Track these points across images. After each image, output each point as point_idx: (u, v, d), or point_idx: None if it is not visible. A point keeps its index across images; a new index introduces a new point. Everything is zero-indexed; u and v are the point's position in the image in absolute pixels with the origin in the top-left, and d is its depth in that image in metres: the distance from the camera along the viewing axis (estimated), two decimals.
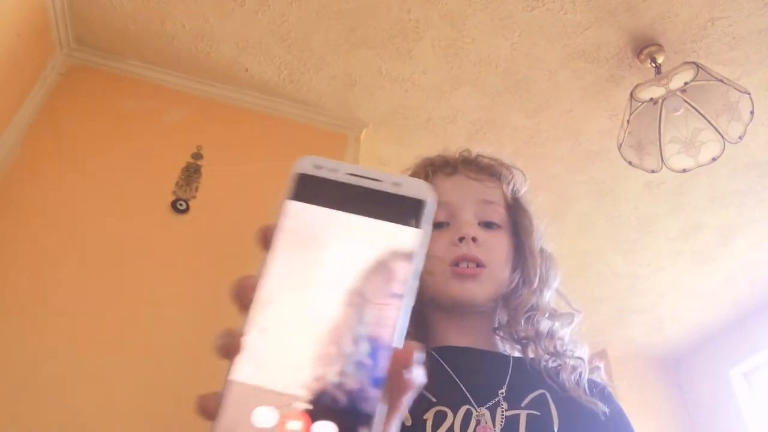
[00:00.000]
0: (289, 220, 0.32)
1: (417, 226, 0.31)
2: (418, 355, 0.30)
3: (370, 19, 1.78)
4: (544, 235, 0.86)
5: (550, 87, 1.98)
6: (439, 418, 0.66)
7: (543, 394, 0.71)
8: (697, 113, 1.76)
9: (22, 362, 1.37)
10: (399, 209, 0.31)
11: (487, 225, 0.80)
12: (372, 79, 1.97)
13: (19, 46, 1.64)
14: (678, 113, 1.76)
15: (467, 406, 0.68)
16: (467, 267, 0.75)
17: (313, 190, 0.32)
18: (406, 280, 0.30)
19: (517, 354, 0.79)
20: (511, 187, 0.85)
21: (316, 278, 0.30)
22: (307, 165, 0.33)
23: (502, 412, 0.68)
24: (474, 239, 0.76)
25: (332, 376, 0.28)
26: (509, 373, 0.73)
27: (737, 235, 2.59)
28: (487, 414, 0.67)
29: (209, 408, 0.28)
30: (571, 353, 0.76)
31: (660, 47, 1.81)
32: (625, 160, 1.84)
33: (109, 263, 1.57)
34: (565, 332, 0.79)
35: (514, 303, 0.79)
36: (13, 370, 1.36)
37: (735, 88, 1.64)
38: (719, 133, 1.74)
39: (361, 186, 0.32)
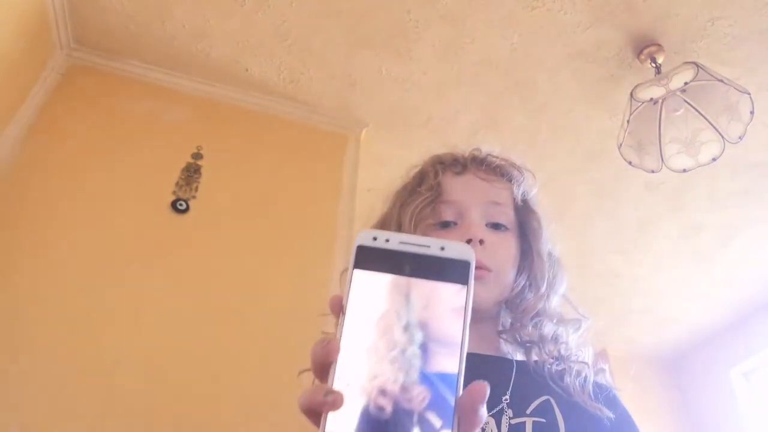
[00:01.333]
0: (355, 287, 0.37)
1: (465, 283, 0.37)
2: (484, 397, 0.34)
3: (370, 19, 1.78)
4: (553, 237, 0.85)
5: (550, 87, 1.98)
6: None
7: (548, 400, 0.70)
8: (697, 113, 1.76)
9: (22, 362, 1.37)
10: (447, 270, 0.37)
11: (495, 226, 0.78)
12: (372, 79, 1.97)
13: (19, 46, 1.64)
14: (678, 113, 1.76)
15: None
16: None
17: (373, 259, 0.37)
18: (462, 329, 0.36)
19: (520, 357, 0.78)
20: (520, 188, 0.83)
21: (384, 335, 0.36)
22: (366, 238, 0.38)
23: (507, 419, 0.67)
24: (481, 242, 0.74)
25: (410, 417, 0.33)
26: (513, 378, 0.72)
27: (737, 235, 2.59)
28: (492, 422, 0.66)
29: None
30: (576, 357, 0.76)
31: (660, 47, 1.81)
32: (625, 160, 1.84)
33: (109, 263, 1.56)
34: (570, 337, 0.78)
35: (521, 307, 0.77)
36: (13, 370, 1.36)
37: (735, 88, 1.64)
38: (719, 133, 1.73)
39: (412, 252, 0.37)
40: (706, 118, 1.75)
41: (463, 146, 0.88)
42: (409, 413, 0.33)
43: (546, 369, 0.74)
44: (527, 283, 0.79)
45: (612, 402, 0.74)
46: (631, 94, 1.74)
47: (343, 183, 1.98)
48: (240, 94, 2.01)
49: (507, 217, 0.80)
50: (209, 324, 1.54)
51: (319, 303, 1.76)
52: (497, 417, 0.67)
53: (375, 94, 2.03)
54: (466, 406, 0.35)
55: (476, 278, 0.74)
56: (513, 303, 0.79)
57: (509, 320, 0.80)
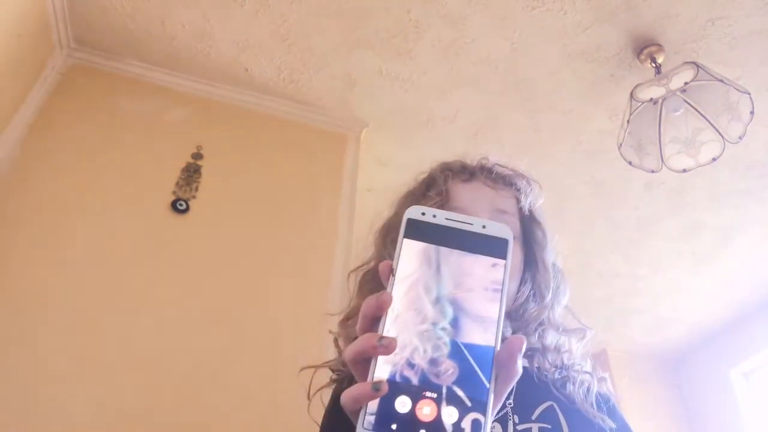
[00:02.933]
0: (404, 254, 0.41)
1: (504, 258, 0.41)
2: (521, 348, 0.38)
3: (370, 19, 1.78)
4: (556, 249, 0.85)
5: (550, 87, 1.98)
6: None
7: (552, 406, 0.70)
8: (697, 113, 1.76)
9: (22, 362, 1.37)
10: (488, 245, 0.41)
11: None
12: (372, 79, 1.97)
13: (19, 46, 1.64)
14: (678, 113, 1.76)
15: None
16: None
17: (421, 231, 0.41)
18: (501, 294, 0.40)
19: (525, 364, 0.78)
20: (527, 198, 0.83)
21: (432, 295, 0.39)
22: (415, 212, 0.42)
23: (513, 425, 0.67)
24: None
25: (454, 366, 0.37)
26: (515, 383, 0.73)
27: (737, 235, 2.59)
28: (498, 427, 0.66)
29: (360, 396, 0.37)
30: (579, 367, 0.76)
31: (660, 47, 1.81)
32: (625, 160, 1.83)
33: (109, 263, 1.57)
34: (573, 346, 0.78)
35: (524, 316, 0.78)
36: (13, 370, 1.36)
37: (735, 88, 1.64)
38: (719, 133, 1.73)
39: (457, 228, 0.42)
40: (706, 118, 1.75)
41: (471, 154, 0.89)
42: (454, 363, 0.37)
43: (548, 376, 0.74)
44: (531, 292, 0.79)
45: (612, 411, 0.75)
46: (631, 94, 1.74)
47: (343, 183, 1.98)
48: (240, 94, 2.01)
49: (512, 226, 0.80)
50: (209, 324, 1.54)
51: (319, 303, 1.76)
52: (503, 422, 0.67)
53: (375, 94, 2.03)
54: (504, 357, 0.38)
55: None
56: (516, 312, 0.79)
57: (511, 330, 0.80)
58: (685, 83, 1.62)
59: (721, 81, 1.62)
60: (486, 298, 0.40)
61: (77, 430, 1.33)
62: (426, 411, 0.36)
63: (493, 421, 0.66)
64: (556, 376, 0.75)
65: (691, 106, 1.76)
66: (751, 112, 1.66)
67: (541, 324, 0.77)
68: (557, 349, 0.77)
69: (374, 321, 0.40)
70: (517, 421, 0.67)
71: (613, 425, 0.71)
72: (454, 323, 0.38)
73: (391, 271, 0.41)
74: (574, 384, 0.73)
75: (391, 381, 0.36)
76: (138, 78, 1.94)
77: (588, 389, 0.74)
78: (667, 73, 1.70)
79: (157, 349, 1.47)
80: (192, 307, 1.56)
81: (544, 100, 2.03)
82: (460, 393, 0.36)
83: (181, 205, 1.70)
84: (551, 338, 0.77)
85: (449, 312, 0.39)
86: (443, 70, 1.93)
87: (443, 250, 0.41)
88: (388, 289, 0.40)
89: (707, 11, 1.72)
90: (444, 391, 0.36)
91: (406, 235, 0.41)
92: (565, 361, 0.76)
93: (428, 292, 0.40)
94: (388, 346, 0.37)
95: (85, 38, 1.89)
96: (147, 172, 1.75)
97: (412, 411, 0.36)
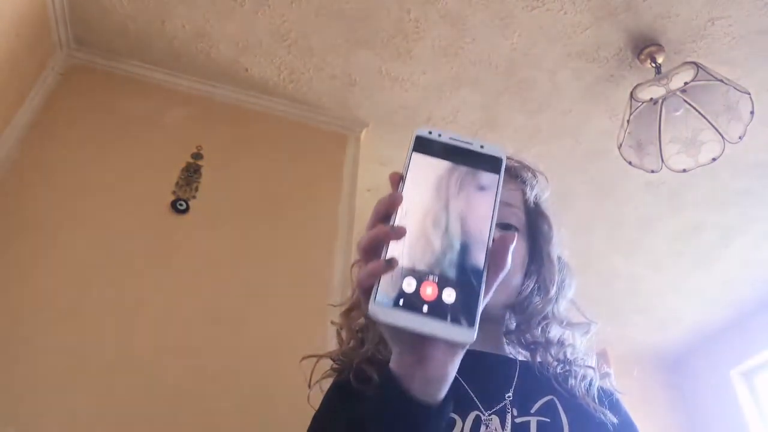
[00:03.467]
0: (413, 165, 0.47)
1: (497, 173, 0.47)
2: (513, 243, 0.45)
3: (370, 19, 1.78)
4: (562, 242, 0.84)
5: (550, 87, 1.98)
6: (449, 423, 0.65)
7: (552, 400, 0.70)
8: (697, 113, 1.76)
9: (21, 361, 1.37)
10: (485, 162, 0.47)
11: (505, 227, 0.78)
12: (372, 79, 1.97)
13: (19, 46, 1.64)
14: (678, 113, 1.76)
15: (476, 412, 0.67)
16: None
17: (427, 146, 0.48)
18: (494, 201, 0.46)
19: (524, 358, 0.78)
20: (533, 191, 0.83)
21: (435, 198, 0.45)
22: (424, 130, 0.49)
23: (512, 418, 0.67)
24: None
25: (453, 257, 0.43)
26: (516, 376, 0.72)
27: (737, 235, 2.59)
28: (496, 419, 0.66)
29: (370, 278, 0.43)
30: (582, 362, 0.75)
31: (660, 47, 1.81)
32: (625, 160, 1.84)
33: (109, 263, 1.56)
34: (576, 340, 0.77)
35: (529, 310, 0.77)
36: (14, 370, 1.36)
37: (735, 88, 1.64)
38: (719, 133, 1.73)
39: (459, 146, 0.48)
40: (706, 118, 1.75)
41: None
42: (454, 252, 0.43)
43: (550, 370, 0.74)
44: (536, 286, 0.79)
45: (615, 407, 0.74)
46: (631, 94, 1.74)
47: (343, 183, 1.98)
48: (240, 94, 2.01)
49: (518, 218, 0.80)
50: (209, 323, 1.54)
51: (319, 302, 1.76)
52: (501, 415, 0.67)
53: (375, 94, 2.03)
54: (497, 249, 0.45)
55: None
56: (521, 306, 0.78)
57: (515, 322, 0.80)
58: (685, 83, 1.62)
59: (721, 81, 1.62)
60: (482, 204, 0.45)
61: (77, 430, 1.33)
62: (428, 291, 0.42)
63: (491, 413, 0.67)
64: (559, 370, 0.74)
65: (691, 106, 1.76)
66: (751, 112, 1.66)
67: (545, 317, 0.77)
68: (561, 343, 0.76)
69: (385, 218, 0.45)
70: (515, 414, 0.67)
71: (615, 420, 0.70)
72: (455, 222, 0.44)
73: (401, 178, 0.46)
74: (575, 378, 0.73)
75: (401, 266, 0.42)
76: (138, 78, 1.94)
77: (590, 383, 0.73)
78: (667, 73, 1.70)
79: (156, 348, 1.47)
80: (192, 307, 1.56)
81: (544, 100, 2.03)
82: (457, 278, 0.42)
83: (181, 205, 1.70)
84: (555, 332, 0.77)
85: (451, 214, 0.45)
86: (443, 70, 1.93)
87: (446, 163, 0.47)
88: (400, 190, 0.46)
89: (707, 11, 1.72)
90: (444, 275, 0.42)
91: (415, 149, 0.48)
92: (568, 356, 0.76)
93: (433, 196, 0.45)
94: (398, 233, 0.43)
95: (85, 38, 1.89)
96: (147, 172, 1.75)
97: (417, 290, 0.42)
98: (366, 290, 0.43)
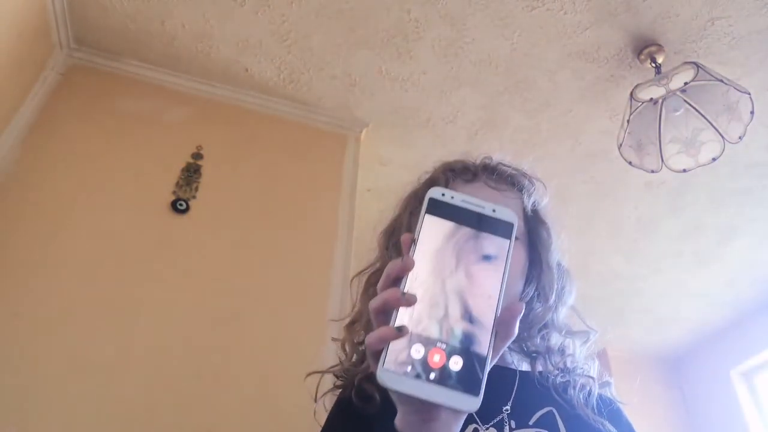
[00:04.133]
0: (425, 227, 0.47)
1: (509, 238, 0.48)
2: (521, 312, 0.45)
3: (370, 19, 1.78)
4: (562, 248, 0.84)
5: (550, 87, 1.98)
6: None
7: (551, 411, 0.70)
8: (697, 113, 1.76)
9: (22, 362, 1.37)
10: (497, 227, 0.48)
11: None
12: (372, 79, 1.97)
13: (19, 46, 1.64)
14: (678, 113, 1.76)
15: (474, 425, 0.66)
16: None
17: (440, 209, 0.48)
18: (504, 268, 0.46)
19: (525, 367, 0.78)
20: (531, 198, 0.83)
21: (446, 263, 0.46)
22: (436, 193, 0.49)
23: (510, 430, 0.67)
24: None
25: (461, 324, 0.44)
26: (515, 388, 0.72)
27: (737, 235, 2.59)
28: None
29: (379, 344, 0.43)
30: (581, 371, 0.75)
31: (660, 47, 1.81)
32: (625, 160, 1.83)
33: (109, 263, 1.56)
34: (576, 349, 0.77)
35: (529, 318, 0.77)
36: (14, 370, 1.36)
37: (735, 88, 1.63)
38: (719, 133, 1.73)
39: (471, 210, 0.48)
40: (706, 118, 1.75)
41: (474, 153, 0.88)
42: (462, 320, 0.44)
43: (550, 380, 0.74)
44: (536, 293, 0.79)
45: (616, 416, 0.74)
46: (631, 94, 1.74)
47: (343, 183, 1.98)
48: (240, 94, 2.01)
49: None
50: (209, 324, 1.54)
51: (319, 302, 1.76)
52: (498, 427, 0.67)
53: (375, 94, 2.03)
54: (506, 318, 0.44)
55: None
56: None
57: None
58: (685, 83, 1.62)
59: (721, 81, 1.62)
60: (492, 270, 0.46)
61: (77, 430, 1.33)
62: (436, 358, 0.42)
63: (488, 427, 0.66)
64: (558, 380, 0.74)
65: (691, 106, 1.76)
66: (751, 112, 1.66)
67: (545, 325, 0.77)
68: (561, 351, 0.76)
69: (396, 281, 0.45)
70: (513, 426, 0.67)
71: (614, 430, 0.70)
72: (465, 288, 0.45)
73: (413, 241, 0.47)
74: (575, 388, 0.73)
75: (410, 332, 0.43)
76: (138, 78, 1.94)
77: (589, 393, 0.73)
78: (667, 73, 1.70)
79: (156, 349, 1.47)
80: (192, 307, 1.56)
81: (544, 100, 2.03)
82: (465, 346, 0.43)
83: (181, 205, 1.70)
84: (555, 340, 0.77)
85: (461, 279, 0.45)
86: (443, 70, 1.93)
87: (458, 227, 0.47)
88: (411, 253, 0.46)
89: (707, 11, 1.72)
90: (452, 343, 0.43)
91: (428, 211, 0.48)
92: (569, 365, 0.75)
93: (444, 260, 0.46)
94: (409, 300, 0.44)
95: (85, 38, 1.89)
96: (147, 172, 1.75)
97: (425, 357, 0.42)
98: (375, 354, 0.44)
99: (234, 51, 1.89)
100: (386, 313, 0.44)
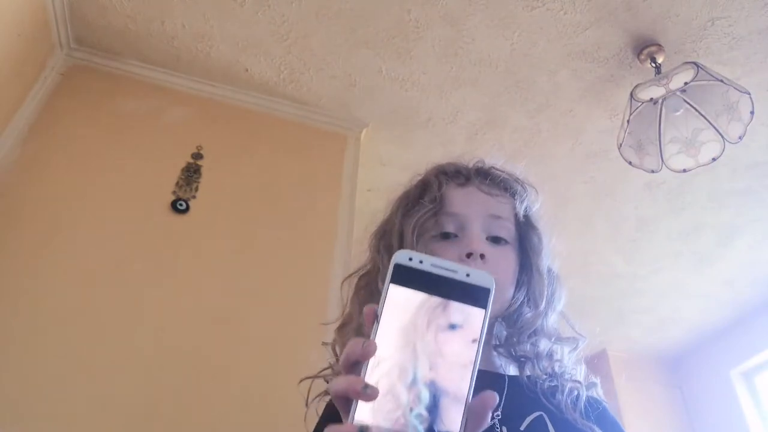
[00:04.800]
0: (390, 299, 0.42)
1: (484, 307, 0.42)
2: (493, 404, 0.41)
3: (370, 19, 1.78)
4: (553, 253, 0.84)
5: (550, 87, 1.98)
6: None
7: (541, 416, 0.70)
8: (697, 113, 1.76)
9: (22, 362, 1.37)
10: (470, 294, 0.42)
11: (495, 240, 0.78)
12: (372, 79, 1.97)
13: (19, 46, 1.64)
14: (678, 113, 1.76)
15: None
16: None
17: (407, 276, 0.43)
18: (477, 344, 0.41)
19: (513, 371, 0.78)
20: (523, 203, 0.83)
21: (411, 343, 0.41)
22: (403, 257, 0.43)
23: None
24: (482, 256, 0.74)
25: (427, 413, 0.39)
26: (504, 394, 0.72)
27: (737, 235, 2.59)
28: None
29: None
30: (569, 376, 0.76)
31: (660, 47, 1.81)
32: (625, 160, 1.84)
33: (109, 263, 1.56)
34: (565, 355, 0.77)
35: (518, 323, 0.77)
36: (14, 370, 1.36)
37: (735, 88, 1.64)
38: (719, 133, 1.73)
39: (441, 276, 0.43)
40: (706, 118, 1.75)
41: (468, 156, 0.88)
42: (429, 410, 0.40)
43: (538, 385, 0.74)
44: (525, 298, 0.79)
45: (602, 417, 0.74)
46: (631, 94, 1.74)
47: (343, 183, 1.98)
48: (240, 94, 2.01)
49: (508, 231, 0.80)
50: (209, 324, 1.54)
51: (319, 302, 1.76)
52: None
53: (375, 94, 2.03)
54: (477, 409, 0.40)
55: None
56: (510, 318, 0.78)
57: (505, 334, 0.80)
58: (685, 83, 1.62)
59: (721, 81, 1.62)
60: (463, 348, 0.41)
61: (77, 430, 1.33)
62: None
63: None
64: (546, 384, 0.74)
65: (691, 106, 1.76)
66: (751, 112, 1.66)
67: (534, 332, 0.77)
68: (549, 357, 0.76)
69: (356, 364, 0.42)
70: (505, 431, 0.67)
71: None
72: (433, 373, 0.40)
73: (376, 317, 0.42)
74: (563, 393, 0.73)
75: (372, 426, 0.39)
76: (138, 78, 1.94)
77: (577, 397, 0.73)
78: (667, 73, 1.70)
79: (156, 348, 1.47)
80: (191, 307, 1.56)
81: (544, 100, 2.03)
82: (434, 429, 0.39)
83: (181, 205, 1.70)
84: (543, 346, 0.77)
85: (428, 360, 0.41)
86: (443, 70, 1.93)
87: (427, 297, 0.42)
88: (372, 336, 0.41)
89: (707, 11, 1.72)
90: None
91: (393, 281, 0.43)
92: (557, 370, 0.75)
93: (410, 341, 0.41)
94: (370, 395, 0.39)
95: (85, 38, 1.89)
96: (147, 172, 1.75)
97: None
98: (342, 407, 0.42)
99: (234, 51, 1.89)
100: (347, 399, 0.41)
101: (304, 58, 1.91)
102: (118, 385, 1.39)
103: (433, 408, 0.40)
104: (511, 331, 0.78)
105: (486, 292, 0.43)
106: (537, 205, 0.85)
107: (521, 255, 0.81)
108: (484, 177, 0.83)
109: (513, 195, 0.83)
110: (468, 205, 0.79)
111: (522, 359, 0.77)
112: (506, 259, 0.78)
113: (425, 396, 0.40)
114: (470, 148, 2.19)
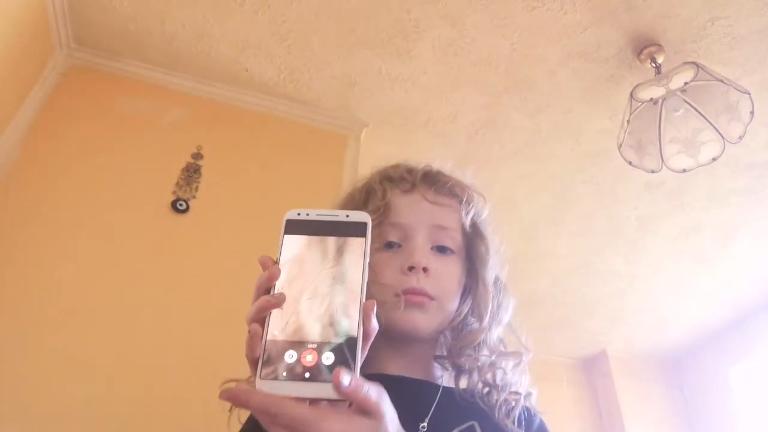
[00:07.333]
0: (286, 246, 0.51)
1: (364, 236, 0.51)
2: (374, 307, 0.47)
3: (370, 19, 1.78)
4: (501, 261, 0.82)
5: (550, 87, 1.98)
6: None
7: (472, 425, 0.68)
8: (697, 113, 1.76)
9: (22, 362, 1.37)
10: (352, 229, 0.51)
11: (440, 249, 0.77)
12: (372, 79, 1.97)
13: (19, 46, 1.64)
14: (678, 113, 1.76)
15: None
16: (415, 297, 0.72)
17: (298, 227, 0.52)
18: (362, 266, 0.49)
19: (450, 381, 0.77)
20: (469, 212, 0.80)
21: (308, 269, 0.49)
22: (292, 214, 0.53)
23: None
24: (425, 269, 0.73)
25: (329, 322, 0.46)
26: (435, 403, 0.70)
27: (737, 235, 2.59)
28: None
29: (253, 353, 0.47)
30: (509, 387, 0.74)
31: (660, 47, 1.81)
32: (625, 160, 1.84)
33: (109, 263, 1.57)
34: (508, 368, 0.76)
35: (461, 337, 0.76)
36: (14, 370, 1.36)
37: (735, 88, 1.64)
38: (719, 133, 1.73)
39: (325, 220, 0.52)
40: (706, 118, 1.75)
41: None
42: (328, 322, 0.47)
43: (476, 395, 0.73)
44: (470, 309, 0.77)
45: (537, 428, 0.73)
46: (631, 94, 1.74)
47: (343, 183, 1.97)
48: (240, 94, 2.01)
49: (453, 240, 0.78)
50: (209, 324, 1.54)
51: None
52: None
53: (375, 94, 2.03)
54: (364, 315, 0.47)
55: (417, 305, 0.72)
56: (454, 330, 0.77)
57: (447, 347, 0.78)
58: (685, 83, 1.62)
59: (721, 81, 1.62)
60: (351, 267, 0.49)
61: (77, 430, 1.33)
62: (309, 358, 0.45)
63: None
64: (484, 392, 0.73)
65: (691, 106, 1.76)
66: (751, 112, 1.66)
67: (477, 345, 0.75)
68: (491, 368, 0.75)
69: (266, 292, 0.49)
70: None
71: None
72: (328, 288, 0.48)
73: (274, 262, 0.50)
74: (497, 401, 0.72)
75: (281, 340, 0.46)
76: (138, 78, 1.94)
77: (512, 407, 0.72)
78: (667, 73, 1.70)
79: (157, 348, 1.47)
80: (192, 307, 1.56)
81: (544, 100, 2.03)
82: (334, 342, 0.46)
83: (181, 205, 1.70)
84: (486, 358, 0.75)
85: (323, 281, 0.48)
86: (443, 70, 1.93)
87: (315, 238, 0.51)
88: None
89: (707, 11, 1.72)
90: (322, 341, 0.46)
91: (286, 232, 0.52)
92: (498, 381, 0.74)
93: (305, 269, 0.49)
94: (279, 299, 0.47)
95: (85, 38, 1.89)
96: (147, 172, 1.75)
97: (298, 359, 0.45)
98: (253, 362, 0.46)
99: (234, 51, 1.89)
100: (262, 322, 0.47)
101: (304, 58, 1.91)
102: (118, 385, 1.40)
103: (335, 316, 0.47)
104: (453, 343, 0.77)
105: (364, 225, 0.51)
106: (485, 212, 0.83)
107: (468, 264, 0.79)
108: (430, 184, 0.81)
109: (460, 202, 0.81)
110: (412, 214, 0.77)
111: (462, 370, 0.75)
112: (451, 270, 0.77)
113: (326, 308, 0.47)
114: (470, 148, 2.19)
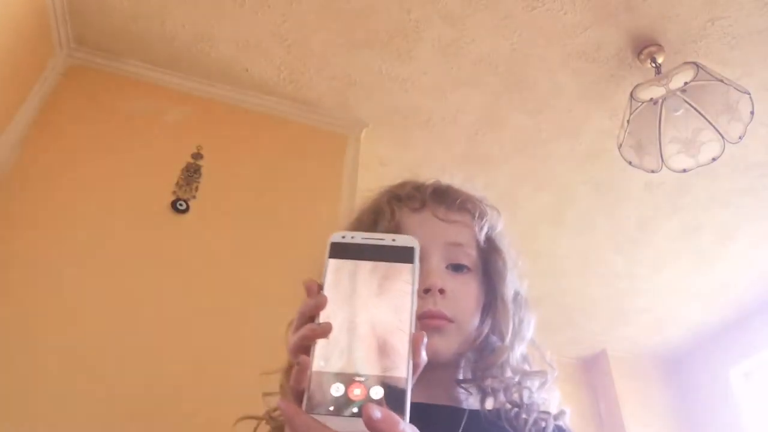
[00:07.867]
0: (330, 270, 0.49)
1: (411, 262, 0.49)
2: (424, 340, 0.45)
3: (370, 19, 1.78)
4: (520, 275, 0.80)
5: (550, 87, 1.98)
6: None
7: None
8: (697, 113, 1.76)
9: (20, 362, 1.37)
10: (399, 254, 0.49)
11: (456, 268, 0.74)
12: (372, 79, 1.97)
13: (19, 46, 1.64)
14: (678, 113, 1.76)
15: None
16: (433, 321, 0.70)
17: (343, 251, 0.50)
18: (411, 294, 0.47)
19: (476, 404, 0.75)
20: (483, 226, 0.77)
21: (354, 298, 0.47)
22: (337, 237, 0.51)
23: None
24: (441, 291, 0.70)
25: (376, 357, 0.44)
26: (461, 427, 0.69)
27: (737, 235, 2.59)
28: None
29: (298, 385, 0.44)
30: (537, 407, 0.72)
31: (660, 47, 1.81)
32: (625, 160, 1.84)
33: (109, 263, 1.56)
34: (534, 386, 0.73)
35: (484, 358, 0.74)
36: (14, 370, 1.36)
37: (735, 88, 1.64)
38: (719, 133, 1.74)
39: (371, 244, 0.50)
40: (706, 118, 1.75)
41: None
42: (376, 354, 0.45)
43: (503, 416, 0.71)
44: (491, 328, 0.75)
45: None
46: (631, 94, 1.74)
47: (343, 183, 1.97)
48: (240, 94, 2.01)
49: (469, 257, 0.75)
50: (209, 324, 1.54)
51: None
52: None
53: (375, 94, 2.03)
54: (414, 345, 0.45)
55: (435, 328, 0.69)
56: (476, 351, 0.75)
57: (471, 369, 0.76)
58: (685, 83, 1.62)
59: (721, 81, 1.62)
60: (399, 295, 0.47)
61: (77, 430, 1.33)
62: (356, 392, 0.42)
63: None
64: (512, 414, 0.71)
65: (691, 106, 1.76)
66: (751, 112, 1.66)
67: (501, 365, 0.73)
68: (518, 385, 0.73)
69: (310, 320, 0.46)
70: None
71: None
72: (376, 321, 0.46)
73: (319, 287, 0.48)
74: (526, 422, 0.70)
75: (328, 372, 0.44)
76: (138, 78, 1.94)
77: (542, 428, 0.70)
78: (667, 73, 1.70)
79: (156, 348, 1.47)
80: (192, 307, 1.56)
81: (544, 100, 2.03)
82: (383, 375, 0.43)
83: (181, 205, 1.70)
84: (509, 379, 0.73)
85: (371, 311, 0.46)
86: (443, 70, 1.93)
87: (361, 263, 0.49)
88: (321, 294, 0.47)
89: (707, 11, 1.72)
90: (370, 374, 0.43)
91: (331, 256, 0.50)
92: (525, 400, 0.72)
93: (351, 297, 0.47)
94: (325, 330, 0.44)
95: (86, 38, 1.89)
96: (147, 172, 1.75)
97: (345, 393, 0.42)
98: (298, 394, 0.44)
99: (234, 51, 1.89)
100: (304, 350, 0.45)
101: (304, 58, 1.91)
102: (117, 385, 1.39)
103: (382, 348, 0.44)
104: (476, 364, 0.75)
105: (411, 250, 0.49)
106: (500, 226, 0.81)
107: (485, 281, 0.77)
108: (440, 200, 0.78)
109: (473, 217, 0.78)
110: (424, 234, 0.73)
111: (487, 392, 0.74)
112: (468, 289, 0.74)
113: (374, 340, 0.45)
114: (470, 148, 2.19)
